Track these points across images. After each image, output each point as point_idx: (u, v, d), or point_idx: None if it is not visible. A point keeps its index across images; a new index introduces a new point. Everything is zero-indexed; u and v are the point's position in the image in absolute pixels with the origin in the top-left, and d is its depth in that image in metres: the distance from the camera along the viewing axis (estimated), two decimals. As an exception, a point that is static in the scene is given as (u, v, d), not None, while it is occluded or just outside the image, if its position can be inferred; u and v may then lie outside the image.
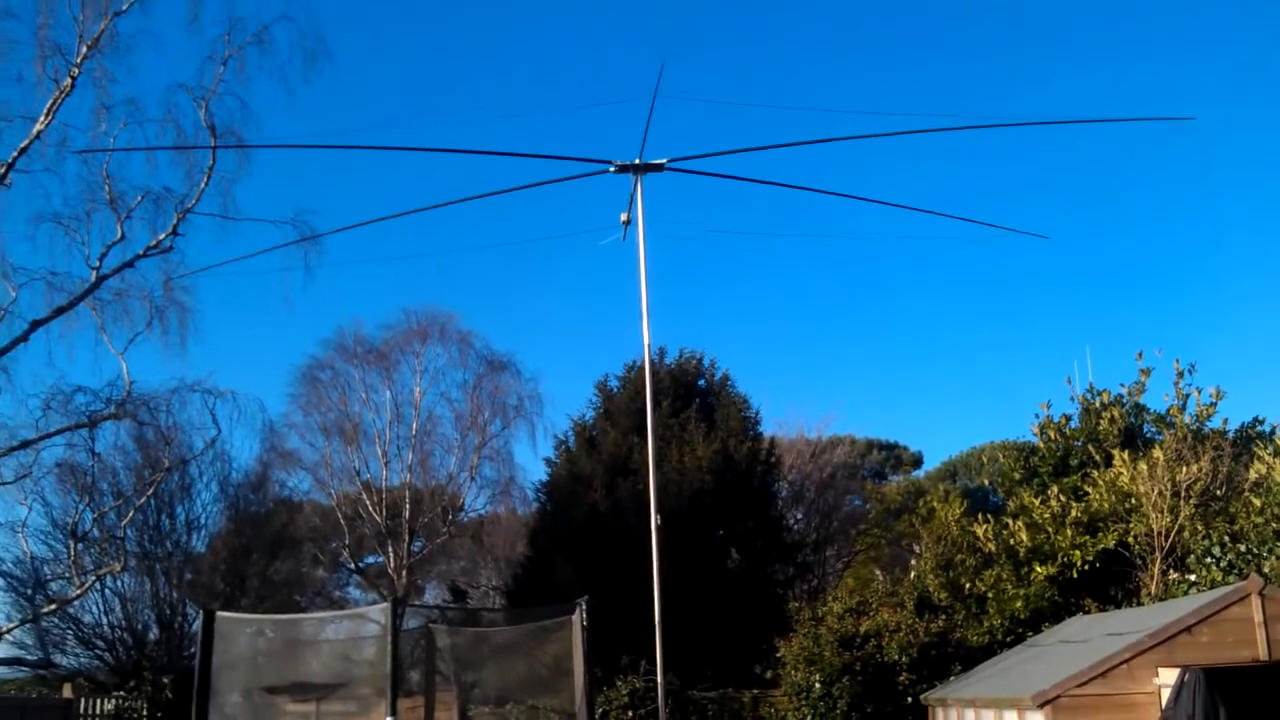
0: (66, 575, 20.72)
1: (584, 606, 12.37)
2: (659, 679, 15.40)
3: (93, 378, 31.83)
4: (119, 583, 22.60)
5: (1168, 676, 12.27)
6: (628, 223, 16.61)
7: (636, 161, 16.36)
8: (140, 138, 18.84)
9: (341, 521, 30.51)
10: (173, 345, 19.76)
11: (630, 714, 18.54)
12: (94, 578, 20.49)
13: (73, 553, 20.17)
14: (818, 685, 18.40)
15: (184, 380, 21.28)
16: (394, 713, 10.34)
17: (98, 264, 18.79)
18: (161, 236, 19.06)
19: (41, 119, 17.72)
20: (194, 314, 19.94)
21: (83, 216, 18.78)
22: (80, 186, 18.95)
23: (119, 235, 18.84)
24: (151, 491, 22.09)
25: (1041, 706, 12.53)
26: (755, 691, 19.90)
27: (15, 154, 17.61)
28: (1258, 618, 12.72)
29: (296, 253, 19.56)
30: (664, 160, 16.44)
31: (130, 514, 21.51)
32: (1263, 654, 12.61)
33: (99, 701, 19.21)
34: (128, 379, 19.52)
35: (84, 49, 17.85)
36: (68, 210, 18.71)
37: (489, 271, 70.91)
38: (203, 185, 18.98)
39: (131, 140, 18.81)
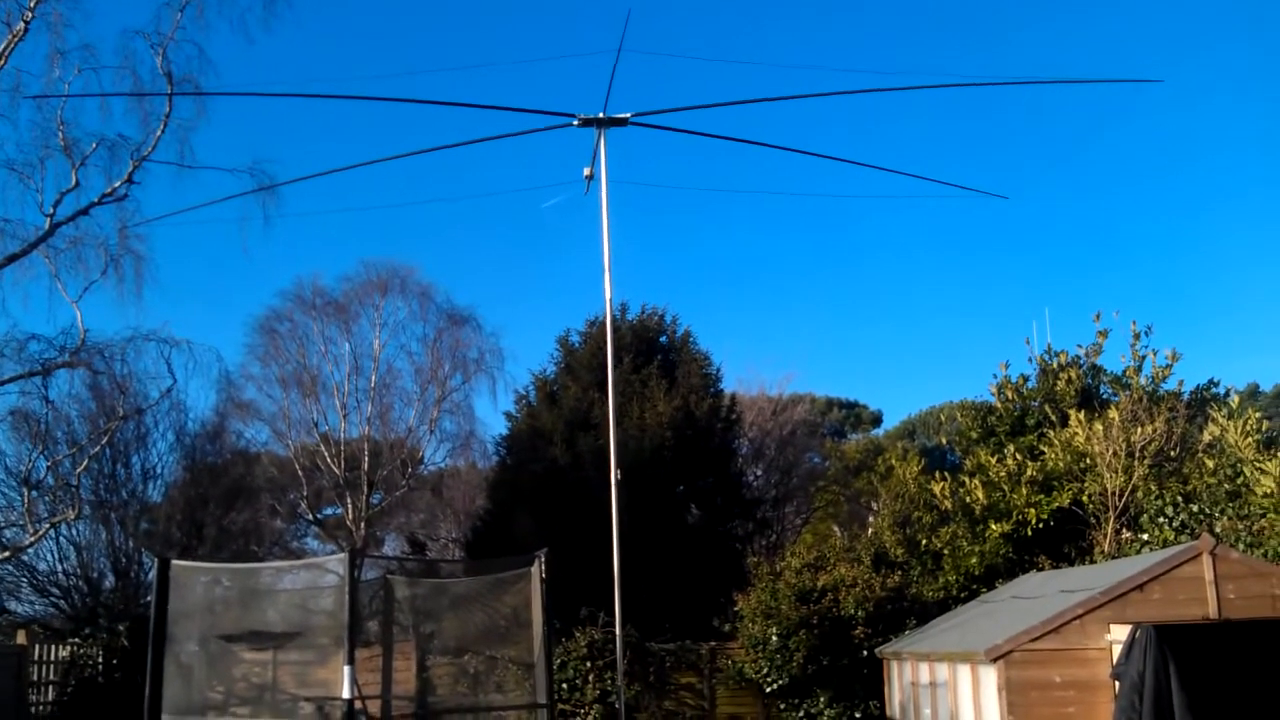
0: (20, 523, 20.48)
1: (543, 559, 12.37)
2: (617, 631, 15.49)
3: (47, 326, 31.52)
4: (74, 531, 22.40)
5: (1119, 633, 12.46)
6: (590, 177, 16.45)
7: (600, 115, 16.18)
8: (95, 84, 18.52)
9: (300, 473, 30.35)
10: (128, 294, 19.62)
11: (589, 665, 18.66)
12: (48, 525, 20.28)
13: (26, 500, 19.94)
14: (775, 638, 18.58)
15: (139, 329, 20.96)
16: (351, 662, 10.32)
17: (52, 211, 18.55)
18: (117, 184, 18.82)
19: (-7, 62, 17.35)
20: (149, 263, 19.79)
21: (36, 163, 18.54)
22: (34, 132, 18.70)
23: (73, 182, 18.58)
24: (106, 440, 21.82)
25: (994, 661, 12.70)
26: (713, 644, 20.09)
27: (-33, 98, 17.28)
28: (1208, 576, 12.93)
29: (254, 202, 19.39)
30: (628, 114, 16.27)
31: (85, 462, 21.28)
32: (1213, 612, 12.83)
33: (54, 648, 19.07)
34: (82, 327, 19.34)
35: (38, -8, 17.45)
36: (21, 156, 18.47)
37: (450, 225, 70.58)
38: (159, 133, 18.72)
39: (86, 86, 18.49)
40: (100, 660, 18.65)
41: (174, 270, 52.93)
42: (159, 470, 24.64)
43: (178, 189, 19.46)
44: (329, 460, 29.78)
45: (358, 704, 10.48)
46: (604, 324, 18.38)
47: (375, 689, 12.76)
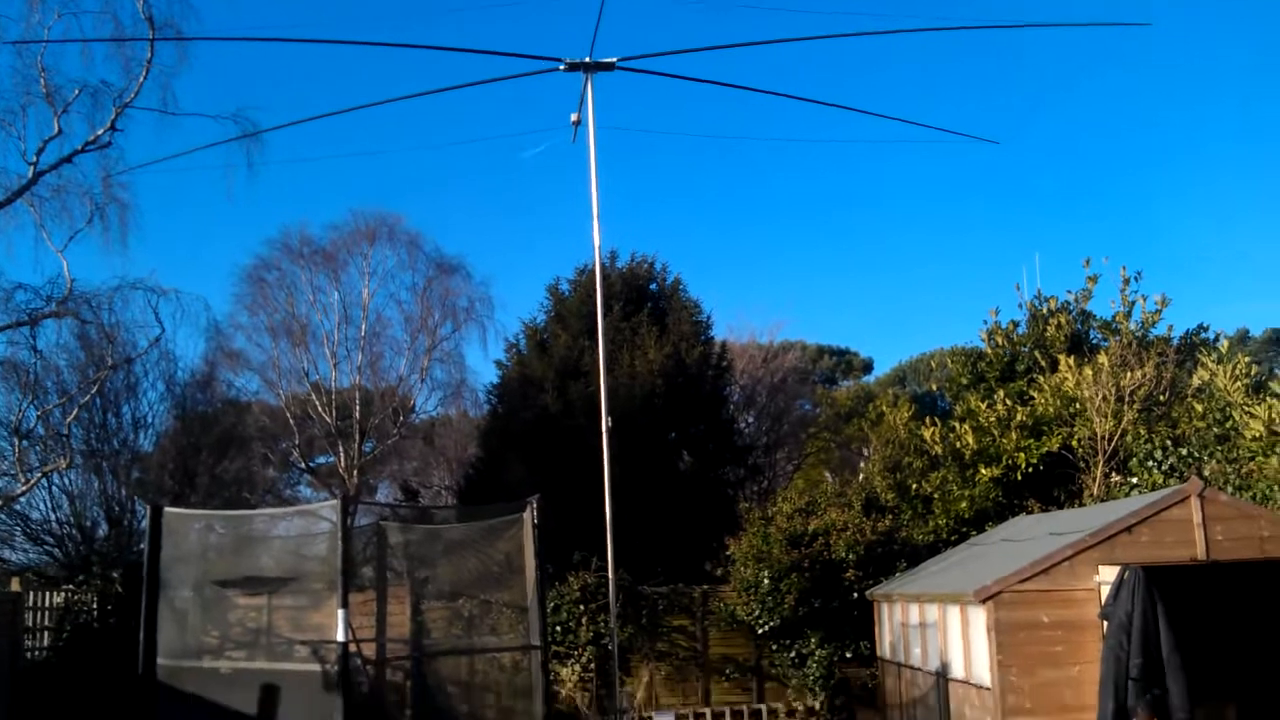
0: (11, 472, 20.47)
1: (535, 505, 12.40)
2: (610, 575, 15.60)
3: (33, 275, 31.43)
4: (66, 480, 22.36)
5: (1108, 574, 12.57)
6: (577, 123, 16.29)
7: (586, 60, 16.00)
8: (76, 29, 18.43)
9: (291, 422, 30.36)
10: (113, 243, 19.69)
11: (582, 608, 18.80)
12: (40, 474, 20.28)
13: (17, 450, 19.93)
14: (766, 581, 18.72)
15: (126, 278, 20.98)
16: (345, 606, 10.37)
17: (35, 159, 18.49)
18: (100, 132, 18.74)
19: (-30, 8, 17.18)
20: (134, 211, 19.91)
21: (18, 110, 18.45)
22: (15, 80, 18.58)
23: (56, 130, 18.50)
24: (96, 390, 21.77)
25: (984, 602, 12.82)
26: (705, 587, 20.23)
27: (-56, 44, 17.13)
28: (1196, 519, 13.04)
29: (239, 150, 19.40)
30: (614, 59, 16.09)
31: (75, 412, 21.25)
32: (1200, 554, 12.95)
33: (48, 595, 19.14)
34: (69, 277, 19.35)
35: (13, -65, 17.25)
36: (2, 104, 18.37)
37: (436, 173, 70.15)
38: (141, 79, 18.60)
39: (67, 32, 18.38)
40: (95, 606, 18.73)
41: (159, 219, 52.61)
42: (150, 419, 24.59)
43: (161, 137, 19.56)
44: (320, 409, 29.80)
45: (352, 647, 10.56)
46: (593, 272, 18.34)
47: (370, 633, 12.86)
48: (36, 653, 18.28)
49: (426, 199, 66.09)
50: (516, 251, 66.88)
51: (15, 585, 18.45)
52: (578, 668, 18.56)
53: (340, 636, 10.27)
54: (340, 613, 10.29)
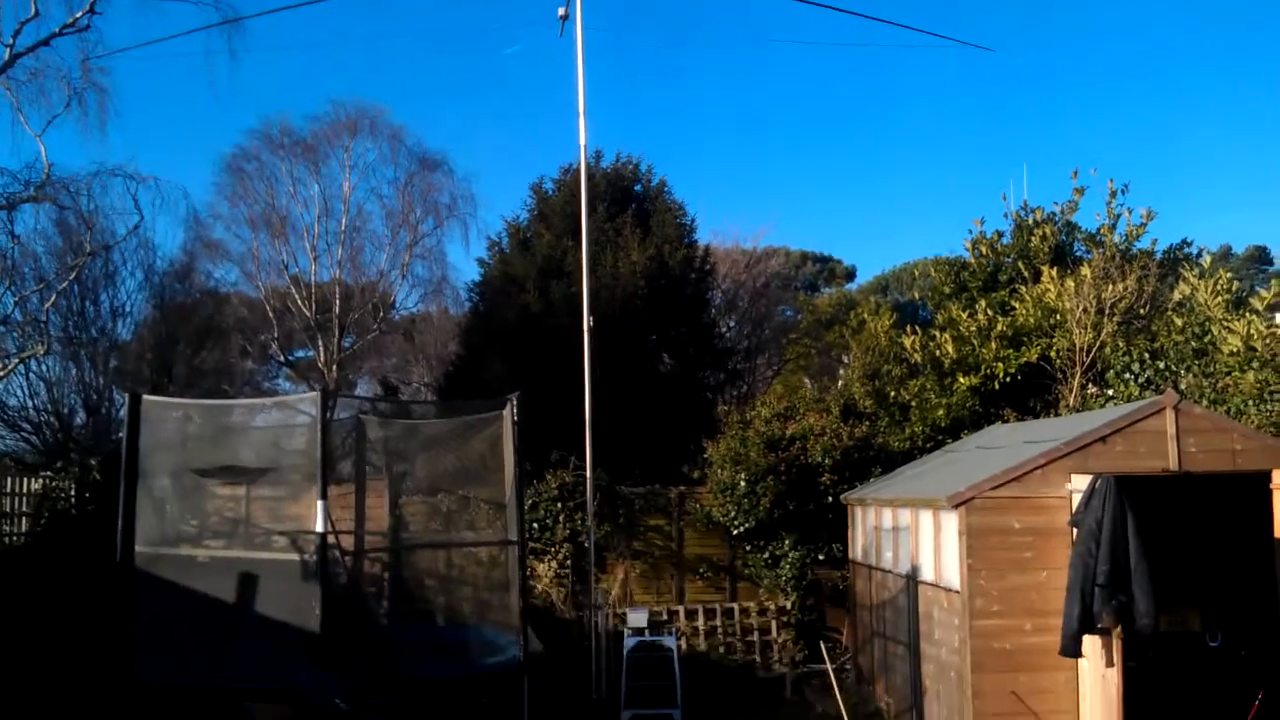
0: (-13, 358, 20.44)
1: (515, 402, 12.37)
2: (588, 474, 15.70)
3: (10, 159, 30.97)
4: (43, 367, 22.36)
5: (1080, 483, 12.67)
6: (564, 18, 15.89)
7: (577, -48, 15.61)
8: (54, -91, 17.95)
9: (270, 314, 30.26)
10: (92, 129, 19.60)
11: (559, 506, 18.95)
12: (17, 360, 20.22)
13: (-7, 335, 19.87)
14: (743, 484, 18.87)
15: (104, 164, 20.74)
16: (324, 498, 10.38)
17: (11, 41, 18.23)
18: (79, 15, 18.43)
19: (-57, -114, 16.68)
20: (113, 97, 19.83)
21: (-7, -9, 18.09)
22: (-9, -39, 18.17)
23: (33, 12, 18.17)
24: (74, 277, 21.59)
25: (956, 507, 12.92)
26: (682, 489, 20.38)
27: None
28: (1170, 430, 13.10)
29: (220, 36, 19.30)
30: (604, -47, 15.73)
31: (53, 298, 21.10)
32: (1173, 465, 13.05)
33: (26, 481, 19.17)
34: (46, 161, 19.11)
35: None
36: (-23, -16, 17.96)
37: (421, 67, 68.97)
38: (121, -37, 18.20)
39: (45, -89, 17.91)
40: (73, 493, 18.77)
41: (139, 107, 51.76)
42: (128, 308, 24.49)
43: (141, 23, 19.26)
44: (300, 302, 29.68)
45: (330, 538, 10.59)
46: (578, 171, 18.13)
47: (348, 525, 12.90)
48: (14, 538, 18.37)
49: (410, 94, 65.10)
50: (500, 150, 66.23)
51: (-9, 470, 18.49)
52: (554, 564, 18.77)
53: (319, 528, 10.30)
54: (319, 504, 10.30)
